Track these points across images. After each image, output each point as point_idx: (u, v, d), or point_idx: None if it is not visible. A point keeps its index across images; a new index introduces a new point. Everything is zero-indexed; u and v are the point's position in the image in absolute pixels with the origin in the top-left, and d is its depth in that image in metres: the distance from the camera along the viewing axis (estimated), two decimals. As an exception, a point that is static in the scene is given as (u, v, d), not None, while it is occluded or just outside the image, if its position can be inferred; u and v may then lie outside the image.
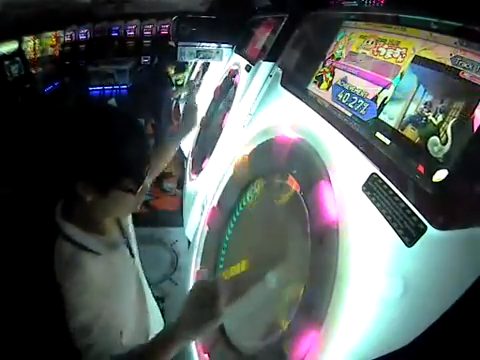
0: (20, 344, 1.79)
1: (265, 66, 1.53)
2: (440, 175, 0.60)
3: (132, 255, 0.94)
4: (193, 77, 3.71)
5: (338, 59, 1.12)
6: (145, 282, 1.03)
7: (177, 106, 3.69)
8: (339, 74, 1.09)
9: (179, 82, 3.83)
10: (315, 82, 1.20)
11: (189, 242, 1.77)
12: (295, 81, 1.25)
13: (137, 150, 0.75)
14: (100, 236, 0.83)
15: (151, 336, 1.01)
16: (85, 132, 0.70)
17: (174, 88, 3.43)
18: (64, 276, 0.76)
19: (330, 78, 1.13)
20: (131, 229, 1.01)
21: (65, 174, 0.74)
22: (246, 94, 1.62)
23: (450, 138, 0.65)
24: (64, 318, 0.75)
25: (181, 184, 2.86)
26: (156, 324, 1.08)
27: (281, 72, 1.35)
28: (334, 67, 1.13)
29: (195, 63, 3.82)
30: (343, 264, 0.71)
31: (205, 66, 3.28)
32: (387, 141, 0.78)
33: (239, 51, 2.20)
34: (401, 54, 0.86)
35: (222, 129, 1.85)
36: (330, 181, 0.82)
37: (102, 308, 0.77)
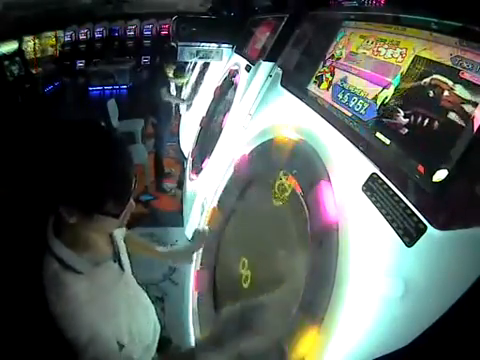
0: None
1: (265, 66, 1.53)
2: (440, 175, 0.60)
3: (122, 269, 0.91)
4: (193, 80, 3.71)
5: (338, 59, 1.12)
6: (137, 293, 1.01)
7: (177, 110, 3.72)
8: (339, 74, 1.09)
9: (179, 84, 3.84)
10: (315, 82, 1.20)
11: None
12: (295, 81, 1.25)
13: (120, 175, 0.73)
14: (86, 254, 0.81)
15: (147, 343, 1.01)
16: (66, 158, 0.68)
17: (168, 88, 3.42)
18: (49, 292, 0.75)
19: (330, 78, 1.13)
20: (122, 242, 0.98)
21: (48, 198, 0.73)
22: (246, 94, 1.61)
23: (450, 138, 0.65)
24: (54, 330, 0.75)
25: (181, 184, 2.86)
26: (149, 335, 1.06)
27: (281, 72, 1.35)
28: (334, 67, 1.13)
29: (195, 64, 3.83)
30: (343, 264, 0.71)
31: (204, 67, 3.28)
32: (387, 141, 0.78)
33: (239, 51, 2.20)
34: (401, 54, 0.86)
35: (222, 129, 1.85)
36: (330, 181, 0.82)
37: (92, 325, 0.77)
